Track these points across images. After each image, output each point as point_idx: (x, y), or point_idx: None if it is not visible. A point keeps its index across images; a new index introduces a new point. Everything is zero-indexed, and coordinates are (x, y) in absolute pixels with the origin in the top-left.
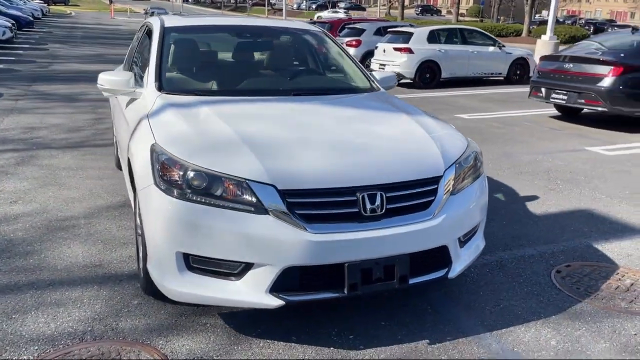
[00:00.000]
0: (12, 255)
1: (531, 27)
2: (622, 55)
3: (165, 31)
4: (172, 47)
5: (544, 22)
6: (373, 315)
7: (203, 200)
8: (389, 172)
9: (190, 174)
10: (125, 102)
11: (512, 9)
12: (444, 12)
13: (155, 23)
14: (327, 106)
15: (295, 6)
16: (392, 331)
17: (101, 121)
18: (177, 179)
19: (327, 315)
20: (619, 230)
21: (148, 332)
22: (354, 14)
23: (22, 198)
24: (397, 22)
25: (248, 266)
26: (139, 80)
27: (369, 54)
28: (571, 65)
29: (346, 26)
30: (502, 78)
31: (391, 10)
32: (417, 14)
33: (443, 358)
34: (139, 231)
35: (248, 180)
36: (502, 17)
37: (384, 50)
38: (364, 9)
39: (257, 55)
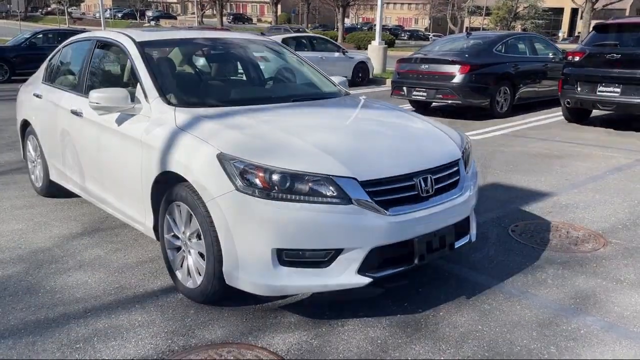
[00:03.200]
0: (13, 294)
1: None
2: (466, 55)
3: (141, 46)
4: (156, 61)
5: (349, 29)
6: (411, 289)
7: (294, 198)
8: (432, 158)
9: (275, 176)
10: (110, 120)
11: (317, 17)
12: (254, 20)
13: (121, 38)
14: (336, 109)
15: (97, 15)
16: (434, 294)
17: None
18: (263, 181)
19: (385, 294)
20: (529, 195)
21: (230, 335)
22: (165, 23)
23: None
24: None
25: (338, 252)
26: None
27: None
28: (427, 66)
29: None
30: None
31: (204, 19)
32: (230, 22)
33: (486, 306)
34: (205, 240)
35: (332, 176)
36: (310, 25)
37: None
38: (175, 18)
39: (238, 67)
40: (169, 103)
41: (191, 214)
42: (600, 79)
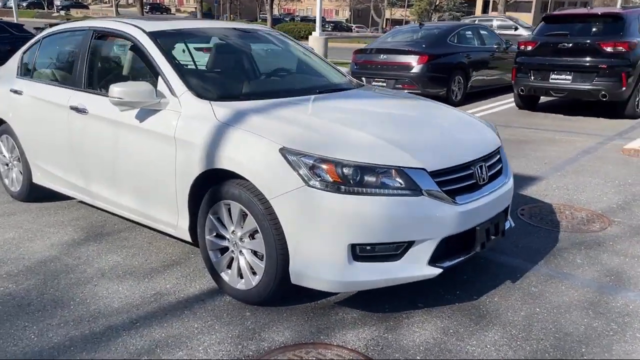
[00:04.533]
0: (41, 309)
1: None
2: (424, 46)
3: (154, 36)
4: (175, 53)
5: (276, 21)
6: (457, 277)
7: (367, 191)
8: (482, 146)
9: (347, 169)
10: (128, 116)
11: (238, 8)
12: (173, 10)
13: (127, 29)
14: (368, 100)
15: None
16: (481, 281)
17: None
18: (334, 175)
19: (433, 283)
20: (518, 179)
21: (299, 335)
22: (77, 13)
23: None
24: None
25: (410, 244)
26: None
27: None
28: (385, 56)
29: None
30: None
31: (119, 9)
32: (147, 12)
33: (533, 289)
34: (266, 239)
35: (402, 167)
36: (231, 15)
37: None
38: (86, 7)
39: (255, 58)
40: (201, 97)
41: (245, 213)
42: (552, 67)
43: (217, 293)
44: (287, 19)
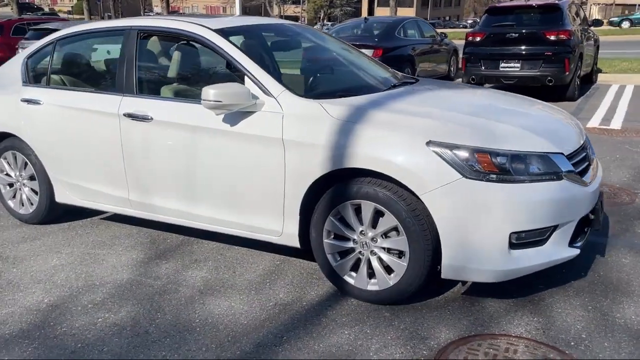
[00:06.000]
0: (167, 336)
1: None
2: (376, 40)
3: (224, 34)
4: (254, 51)
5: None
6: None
7: (520, 179)
8: (581, 132)
9: (500, 158)
10: (213, 121)
11: (120, 6)
12: (46, 9)
13: (189, 27)
14: (453, 90)
15: None
16: (577, 257)
17: None
18: (489, 165)
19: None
20: None
21: (459, 328)
22: None
23: (20, 289)
24: (85, 21)
25: (555, 228)
26: None
27: None
28: None
29: (30, 28)
30: None
31: None
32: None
33: (625, 260)
34: (410, 236)
35: (547, 153)
36: (116, 14)
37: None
38: None
39: (322, 54)
40: (302, 95)
41: (379, 211)
42: (501, 56)
43: (337, 297)
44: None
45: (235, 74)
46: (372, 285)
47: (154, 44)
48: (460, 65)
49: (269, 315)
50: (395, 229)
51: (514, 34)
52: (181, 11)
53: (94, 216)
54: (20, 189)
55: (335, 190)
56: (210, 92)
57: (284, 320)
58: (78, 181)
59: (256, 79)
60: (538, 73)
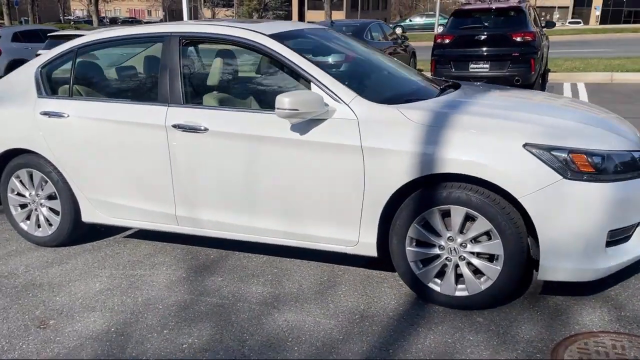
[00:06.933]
0: (255, 351)
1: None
2: None
3: (280, 39)
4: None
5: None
6: None
7: (616, 178)
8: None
9: (596, 158)
10: (280, 130)
11: (37, 10)
12: None
13: (244, 33)
14: (502, 92)
15: None
16: None
17: None
18: (587, 166)
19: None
20: None
21: (555, 329)
22: None
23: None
24: (53, 27)
25: (638, 225)
26: None
27: (17, 63)
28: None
29: None
30: None
31: None
32: None
33: None
34: (505, 240)
35: (632, 151)
36: (27, 19)
37: None
38: None
39: (365, 58)
40: (376, 101)
41: (469, 216)
42: (470, 58)
43: (420, 304)
44: (107, 20)
45: (298, 81)
46: (461, 291)
47: (198, 51)
48: (421, 67)
49: (362, 329)
50: (487, 233)
51: (481, 36)
52: (102, 15)
53: (114, 235)
54: (36, 209)
55: (421, 197)
56: (285, 100)
57: (376, 330)
58: (110, 198)
59: (324, 85)
60: (507, 73)
